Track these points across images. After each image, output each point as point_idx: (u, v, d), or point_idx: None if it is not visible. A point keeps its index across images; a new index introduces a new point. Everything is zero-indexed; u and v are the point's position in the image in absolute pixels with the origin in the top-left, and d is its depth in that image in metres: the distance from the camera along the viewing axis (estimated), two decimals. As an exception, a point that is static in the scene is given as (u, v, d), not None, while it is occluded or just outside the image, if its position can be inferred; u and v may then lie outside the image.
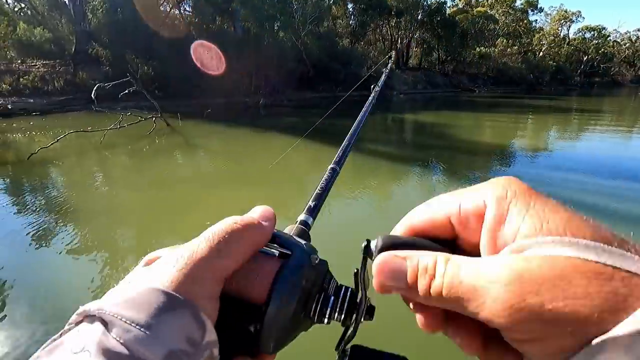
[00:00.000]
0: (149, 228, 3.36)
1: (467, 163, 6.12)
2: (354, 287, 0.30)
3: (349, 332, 0.29)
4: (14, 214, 3.55)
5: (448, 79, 27.64)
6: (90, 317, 0.21)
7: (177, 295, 0.22)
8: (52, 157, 5.57)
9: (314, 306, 0.28)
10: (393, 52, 1.53)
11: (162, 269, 0.23)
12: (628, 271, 0.17)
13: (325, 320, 0.29)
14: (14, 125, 8.98)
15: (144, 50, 13.24)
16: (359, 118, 0.69)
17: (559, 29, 40.35)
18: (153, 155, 6.18)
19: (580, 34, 42.27)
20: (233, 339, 0.26)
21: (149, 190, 4.38)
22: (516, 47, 32.52)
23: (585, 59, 40.54)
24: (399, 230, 0.28)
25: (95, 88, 7.62)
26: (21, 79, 11.56)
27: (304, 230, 0.36)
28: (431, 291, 0.22)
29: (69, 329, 0.21)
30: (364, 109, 0.75)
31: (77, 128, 6.84)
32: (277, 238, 0.29)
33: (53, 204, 3.81)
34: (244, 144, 7.28)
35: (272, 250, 0.29)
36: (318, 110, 13.79)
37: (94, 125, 7.55)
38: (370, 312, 0.29)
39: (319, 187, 0.44)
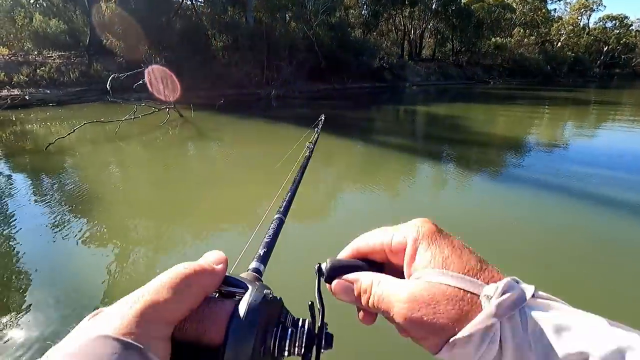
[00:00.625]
0: (163, 218, 3.39)
1: (481, 156, 6.03)
2: (310, 319, 0.30)
3: None
4: (33, 202, 3.62)
5: (462, 71, 27.10)
6: None
7: (123, 338, 0.21)
8: (69, 147, 5.66)
9: (272, 342, 0.28)
10: (323, 116, 1.56)
11: (108, 318, 0.23)
12: (473, 293, 0.26)
13: (286, 353, 0.28)
14: (32, 115, 9.15)
15: (157, 42, 13.29)
16: (298, 175, 0.74)
17: (579, 18, 39.04)
18: (167, 146, 6.22)
19: (601, 23, 40.84)
20: None
21: (162, 181, 4.42)
22: (533, 37, 31.61)
23: (605, 49, 39.22)
24: (347, 251, 0.35)
25: (110, 79, 7.69)
26: (38, 70, 11.73)
27: (257, 277, 0.37)
28: (368, 304, 0.31)
29: None
30: (301, 167, 0.80)
31: (93, 119, 6.93)
32: (230, 280, 0.30)
33: (69, 193, 3.87)
34: (256, 135, 7.28)
35: (226, 291, 0.30)
36: (329, 102, 13.72)
37: (108, 116, 7.64)
38: (328, 340, 0.30)
39: (266, 236, 0.46)
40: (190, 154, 5.89)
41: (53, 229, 3.03)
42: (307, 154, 0.95)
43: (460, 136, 7.77)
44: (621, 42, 39.64)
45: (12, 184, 4.18)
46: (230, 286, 0.30)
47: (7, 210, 3.39)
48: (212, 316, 0.27)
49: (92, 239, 2.87)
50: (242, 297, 0.28)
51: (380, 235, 0.33)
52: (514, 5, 32.16)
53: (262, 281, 0.36)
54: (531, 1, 33.51)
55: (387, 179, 4.76)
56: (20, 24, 13.59)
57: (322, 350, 0.29)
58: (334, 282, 0.33)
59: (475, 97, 17.26)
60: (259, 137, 7.14)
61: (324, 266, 0.34)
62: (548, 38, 35.65)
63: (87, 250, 2.74)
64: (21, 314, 2.03)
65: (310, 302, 0.31)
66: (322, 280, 0.34)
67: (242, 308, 0.27)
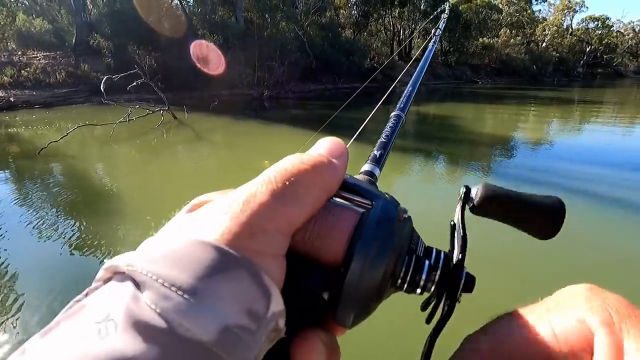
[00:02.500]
0: (159, 220, 3.30)
1: (470, 154, 6.15)
2: (442, 248, 0.25)
3: (442, 310, 0.24)
4: (26, 208, 3.49)
5: (451, 70, 27.41)
6: (119, 275, 0.16)
7: (232, 251, 0.16)
8: (63, 152, 5.49)
9: (402, 272, 0.22)
10: (447, 4, 1.47)
11: (211, 216, 0.18)
12: None
13: (418, 290, 0.23)
14: (18, 118, 8.87)
15: (146, 42, 13.05)
16: (421, 62, 0.66)
17: (563, 19, 39.95)
18: (162, 149, 6.10)
19: (584, 24, 41.86)
20: (301, 307, 0.21)
21: (159, 185, 4.32)
22: (519, 38, 32.16)
23: (588, 49, 40.20)
24: None
25: (103, 80, 7.50)
26: (22, 71, 11.39)
27: (372, 181, 0.30)
28: None
29: (95, 287, 0.17)
30: (425, 54, 0.72)
31: (82, 121, 6.75)
32: (350, 184, 0.24)
33: (63, 199, 3.76)
34: (252, 137, 7.19)
35: (350, 198, 0.24)
36: (321, 102, 13.70)
37: (99, 118, 7.47)
38: (469, 282, 0.23)
39: (383, 136, 0.39)
40: (187, 157, 5.79)
41: (47, 234, 2.95)
42: (432, 41, 0.83)
43: (449, 135, 7.89)
44: (603, 42, 40.70)
45: (3, 191, 4.03)
46: (349, 191, 0.24)
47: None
48: (332, 226, 0.22)
49: (86, 244, 2.80)
50: (370, 208, 0.23)
51: (529, 321, 0.21)
52: (501, 6, 32.71)
53: (376, 187, 0.29)
54: (517, 2, 34.15)
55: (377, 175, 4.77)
56: (2, 23, 13.17)
57: (459, 295, 0.23)
58: None
59: (464, 97, 17.49)
60: (255, 139, 7.06)
61: (474, 191, 0.26)
62: (533, 39, 36.36)
63: (84, 257, 2.67)
64: (11, 316, 2.03)
65: (453, 222, 0.25)
66: (467, 208, 0.27)
67: (372, 223, 0.21)
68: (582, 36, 40.28)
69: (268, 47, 15.23)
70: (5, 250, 2.72)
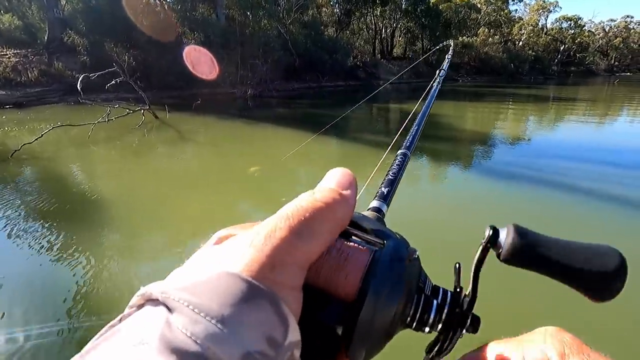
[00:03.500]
0: (141, 226, 3.18)
1: (451, 151, 6.26)
2: (448, 288, 0.25)
3: (444, 345, 0.24)
4: (4, 217, 3.30)
5: (432, 69, 27.75)
6: (153, 301, 0.18)
7: (257, 283, 0.18)
8: (38, 154, 5.23)
9: (412, 311, 0.23)
10: (451, 41, 1.42)
11: (237, 249, 0.20)
12: None
13: (427, 329, 0.24)
14: (-13, 119, 8.43)
15: (124, 39, 12.64)
16: (426, 103, 0.68)
17: (538, 18, 41.12)
18: (144, 150, 5.90)
19: (558, 23, 43.25)
20: (316, 340, 0.22)
21: (141, 188, 4.16)
22: (497, 37, 32.92)
23: (562, 48, 41.55)
24: None
25: (80, 79, 7.19)
26: (-9, 70, 10.85)
27: (380, 218, 0.31)
28: None
29: (129, 313, 0.18)
30: (430, 95, 0.74)
31: (57, 121, 6.46)
32: (366, 224, 0.25)
33: (41, 204, 3.57)
34: (237, 137, 7.07)
35: (361, 236, 0.25)
36: (306, 101, 13.64)
37: (75, 118, 7.17)
38: (475, 323, 0.24)
39: (390, 173, 0.41)
40: (170, 159, 5.61)
41: (21, 241, 2.82)
42: (437, 81, 0.86)
43: (431, 132, 7.99)
44: (576, 41, 42.16)
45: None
46: (366, 232, 0.25)
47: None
48: (345, 262, 0.23)
49: (66, 251, 2.66)
50: (382, 247, 0.23)
51: (506, 354, 0.23)
52: (479, 5, 33.37)
53: (384, 223, 0.30)
54: (494, 2, 34.91)
55: (363, 173, 4.80)
56: (-32, 19, 12.51)
57: (462, 333, 0.24)
58: None
59: (445, 95, 17.73)
60: (240, 139, 6.94)
61: (502, 235, 0.23)
62: (510, 37, 37.29)
63: (60, 263, 2.55)
64: None
65: (457, 264, 0.25)
66: (491, 251, 0.24)
67: (385, 263, 0.22)
68: (556, 35, 41.60)
69: (250, 45, 15.02)
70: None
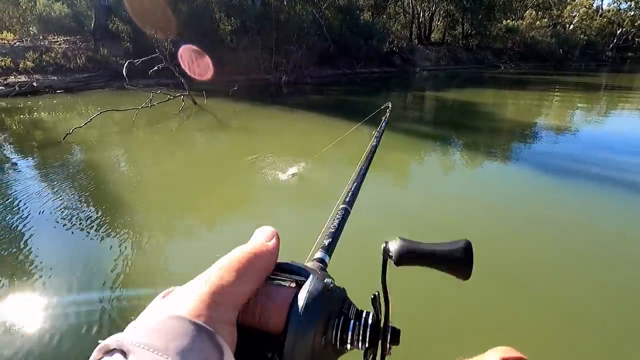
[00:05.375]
0: (178, 208, 3.28)
1: (490, 141, 6.00)
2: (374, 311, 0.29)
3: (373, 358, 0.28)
4: (55, 195, 3.51)
5: (472, 55, 26.47)
6: (110, 352, 0.21)
7: (195, 320, 0.22)
8: (87, 137, 5.52)
9: (333, 332, 0.27)
10: (390, 104, 1.49)
11: (180, 298, 0.24)
12: None
13: (348, 346, 0.28)
14: (40, 103, 8.98)
15: (164, 26, 12.94)
16: (364, 163, 0.70)
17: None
18: (183, 135, 6.07)
19: (615, 4, 39.61)
20: None
21: (178, 172, 4.28)
22: (545, 20, 30.73)
23: (619, 32, 38.16)
24: None
25: (125, 64, 7.46)
26: (44, 56, 11.48)
27: (321, 266, 0.35)
28: None
29: None
30: (367, 155, 0.76)
31: (103, 106, 6.76)
32: (289, 267, 0.30)
33: (88, 184, 3.79)
34: (274, 124, 7.11)
35: (286, 278, 0.29)
36: (339, 88, 13.46)
37: (119, 103, 7.49)
38: (395, 335, 0.28)
39: (331, 226, 0.43)
40: (208, 145, 5.74)
41: (69, 217, 2.98)
42: (374, 142, 0.90)
43: (468, 121, 7.65)
44: (635, 24, 38.45)
45: (30, 177, 4.07)
46: (289, 272, 0.29)
47: (28, 201, 3.29)
48: (272, 301, 0.27)
49: (108, 228, 2.80)
50: (303, 284, 0.28)
51: None
52: (527, -14, 31.21)
53: (326, 271, 0.34)
54: (544, -19, 32.49)
55: (395, 164, 4.73)
56: (24, 7, 13.25)
57: (389, 347, 0.27)
58: None
59: (484, 82, 16.91)
60: (277, 126, 6.97)
61: (392, 246, 0.29)
62: (560, 21, 34.67)
63: (106, 240, 2.69)
64: (41, 296, 2.12)
65: (374, 294, 0.29)
66: (390, 262, 0.29)
67: (303, 296, 0.26)
68: (613, 18, 38.17)
69: (285, 30, 14.94)
70: (32, 235, 2.74)
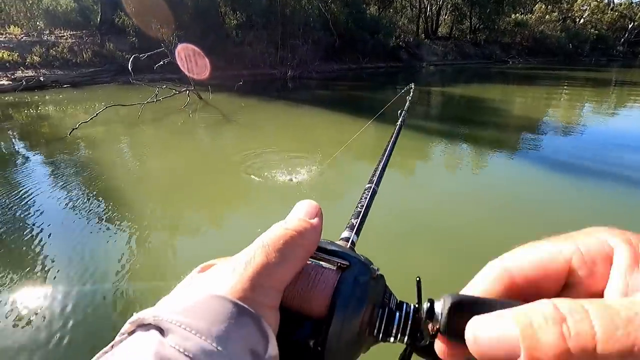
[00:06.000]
0: (183, 202, 3.26)
1: (497, 138, 5.91)
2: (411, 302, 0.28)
3: (411, 353, 0.27)
4: (61, 189, 3.52)
5: (480, 49, 26.14)
6: (144, 326, 0.20)
7: (241, 303, 0.21)
8: (93, 132, 5.52)
9: (377, 323, 0.26)
10: (412, 84, 1.56)
11: (221, 275, 0.23)
12: None
13: (392, 339, 0.26)
14: (47, 97, 9.02)
15: (170, 20, 12.91)
16: (390, 142, 0.73)
17: (604, -7, 37.15)
18: (188, 130, 6.05)
19: (627, -2, 38.85)
20: (292, 354, 0.24)
21: (184, 167, 4.27)
22: (555, 14, 30.22)
23: (630, 26, 37.45)
24: (489, 281, 0.22)
25: (131, 59, 7.44)
26: (51, 50, 11.51)
27: (351, 247, 0.35)
28: (577, 343, 0.15)
29: (121, 340, 0.20)
30: (394, 135, 0.78)
31: (109, 101, 6.76)
32: (329, 248, 0.28)
33: (94, 178, 3.78)
34: (280, 120, 7.06)
35: (327, 259, 0.28)
36: (345, 83, 13.36)
37: (125, 98, 7.47)
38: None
39: (358, 206, 0.44)
40: (213, 140, 5.72)
41: (75, 210, 3.02)
42: (399, 122, 0.92)
43: (475, 117, 7.57)
44: (648, 18, 37.77)
45: (37, 172, 4.08)
46: (329, 254, 0.28)
47: (34, 195, 3.30)
48: (315, 284, 0.26)
49: (113, 221, 2.80)
50: (347, 268, 0.27)
51: (557, 245, 0.21)
52: (537, -21, 30.67)
53: (354, 250, 0.33)
54: (554, -26, 31.90)
55: (401, 159, 4.66)
56: (30, 2, 13.28)
57: (427, 340, 0.25)
58: (469, 329, 0.19)
59: (492, 77, 16.69)
60: (283, 122, 6.93)
61: (438, 306, 0.22)
62: (570, 14, 34.08)
63: (106, 232, 2.71)
64: (45, 287, 2.15)
65: (417, 278, 0.27)
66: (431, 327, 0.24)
67: (349, 281, 0.26)
68: (625, 11, 37.45)
69: (291, 25, 14.83)
70: (36, 227, 2.74)
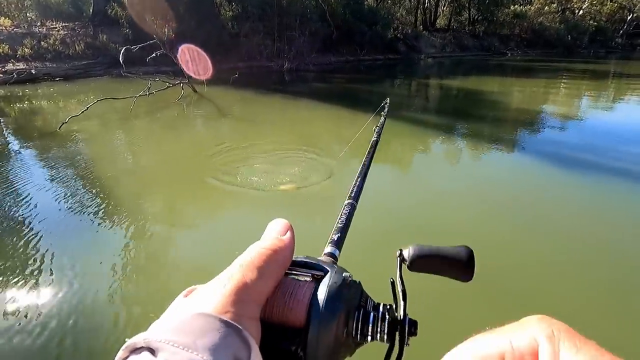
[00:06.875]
0: (179, 196, 3.17)
1: (495, 131, 5.86)
2: (391, 303, 0.30)
3: (394, 352, 0.28)
4: (49, 184, 3.42)
5: (478, 41, 25.91)
6: (137, 350, 0.21)
7: (223, 317, 0.22)
8: (84, 126, 5.39)
9: (354, 325, 0.28)
10: (387, 99, 1.55)
11: (203, 296, 0.25)
12: None
13: (369, 338, 0.29)
14: (39, 91, 8.84)
15: (163, 11, 12.66)
16: (367, 157, 0.72)
17: (603, -17, 36.82)
18: (183, 123, 5.93)
19: (626, -11, 38.52)
20: None
21: (178, 161, 4.17)
22: (554, 5, 29.96)
23: (629, 18, 37.20)
24: None
25: (122, 51, 7.27)
26: (42, 42, 11.28)
27: (333, 261, 0.36)
28: None
29: None
30: (369, 152, 0.78)
31: (102, 94, 6.62)
32: (305, 262, 0.31)
33: (86, 173, 3.68)
34: (277, 114, 6.94)
35: (302, 272, 0.30)
36: (343, 76, 13.19)
37: (118, 91, 7.33)
38: (412, 327, 0.29)
39: (339, 221, 0.45)
40: (208, 134, 5.61)
41: (67, 206, 2.93)
42: (375, 137, 0.93)
43: (473, 110, 7.49)
44: (647, 9, 37.50)
45: (26, 166, 3.97)
46: (307, 268, 0.30)
47: (24, 193, 3.20)
48: (292, 298, 0.27)
49: (106, 216, 2.71)
50: (322, 279, 0.29)
51: (493, 340, 0.24)
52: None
53: (335, 264, 0.35)
54: (554, -35, 31.53)
55: (398, 153, 4.63)
56: (20, -8, 12.99)
57: (407, 339, 0.28)
58: None
59: (490, 70, 16.55)
60: (281, 116, 6.81)
61: (406, 253, 0.33)
62: (569, 6, 33.78)
63: (100, 226, 2.66)
64: (37, 286, 2.10)
65: (392, 279, 0.31)
66: (405, 267, 0.33)
67: (323, 290, 0.27)
68: (624, 3, 37.17)
69: (288, 16, 14.60)
70: (31, 223, 2.65)
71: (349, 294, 0.28)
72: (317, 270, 0.29)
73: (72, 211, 2.94)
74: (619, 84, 12.26)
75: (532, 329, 0.23)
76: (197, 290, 0.26)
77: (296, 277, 0.29)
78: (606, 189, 3.52)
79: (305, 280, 0.29)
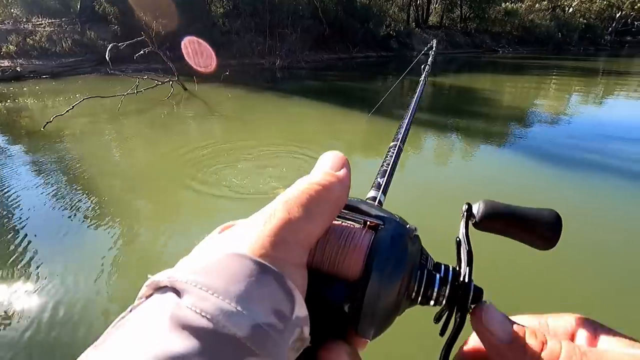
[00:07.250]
0: (169, 195, 3.11)
1: (486, 128, 5.87)
2: (447, 263, 0.27)
3: (454, 322, 0.25)
4: (34, 185, 3.32)
5: (470, 39, 26.01)
6: (161, 289, 0.18)
7: (261, 260, 0.19)
8: (69, 126, 5.27)
9: (416, 286, 0.24)
10: (434, 41, 1.54)
11: (241, 234, 0.21)
12: None
13: (432, 302, 0.25)
14: (25, 89, 8.64)
15: (153, 8, 12.46)
16: (416, 97, 0.73)
17: (593, -19, 37.20)
18: (172, 122, 5.82)
19: (615, -13, 38.97)
20: (324, 319, 0.22)
21: (167, 160, 4.08)
22: (545, 2, 30.19)
23: (618, 15, 37.67)
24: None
25: (109, 48, 7.12)
26: (28, 39, 11.03)
27: (379, 207, 0.31)
28: None
29: (139, 304, 0.18)
30: (418, 90, 0.78)
31: (90, 92, 6.48)
32: (359, 207, 0.26)
33: (73, 173, 3.62)
34: (269, 113, 6.86)
35: (357, 218, 0.26)
36: (336, 73, 13.13)
37: (106, 89, 7.18)
38: (477, 294, 0.25)
39: (384, 164, 0.42)
40: (199, 133, 5.52)
41: (55, 206, 2.92)
42: (422, 77, 0.91)
43: (465, 107, 7.53)
44: (635, 7, 37.91)
45: (9, 167, 3.86)
46: (362, 213, 0.26)
47: (9, 193, 3.10)
48: (347, 246, 0.24)
49: (95, 215, 2.66)
50: (382, 227, 0.25)
51: (530, 319, 0.26)
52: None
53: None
54: (545, -37, 31.75)
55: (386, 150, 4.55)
56: (5, -13, 12.69)
57: (469, 307, 0.25)
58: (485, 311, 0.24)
59: (482, 67, 16.63)
60: (273, 115, 6.73)
61: (475, 208, 0.29)
62: (560, 3, 34.07)
63: (90, 225, 2.63)
64: (29, 285, 2.09)
65: (457, 238, 0.27)
66: (471, 224, 0.29)
67: (387, 241, 0.23)
68: (613, 1, 37.62)
69: (279, 13, 14.47)
70: (17, 222, 2.57)
71: (413, 249, 0.24)
72: (374, 218, 0.25)
73: (54, 209, 2.86)
74: (608, 82, 12.39)
75: (569, 317, 0.24)
76: (235, 226, 0.22)
77: (350, 221, 0.25)
78: (593, 184, 3.54)
79: (362, 227, 0.25)
